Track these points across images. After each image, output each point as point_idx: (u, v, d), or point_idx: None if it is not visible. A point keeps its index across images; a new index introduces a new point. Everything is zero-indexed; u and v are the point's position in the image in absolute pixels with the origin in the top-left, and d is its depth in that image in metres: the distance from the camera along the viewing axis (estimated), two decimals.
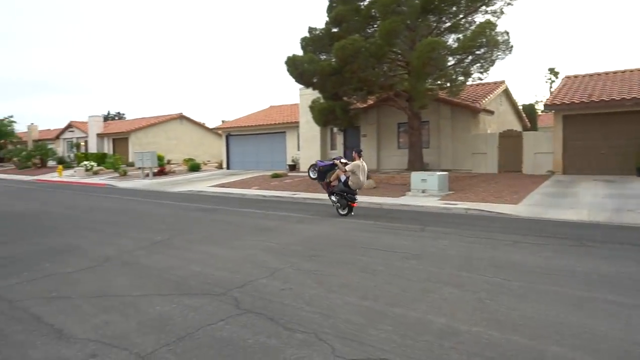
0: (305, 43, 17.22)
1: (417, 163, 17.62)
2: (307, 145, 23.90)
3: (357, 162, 10.67)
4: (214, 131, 38.79)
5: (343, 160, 11.15)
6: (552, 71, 46.63)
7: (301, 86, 21.03)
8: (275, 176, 20.60)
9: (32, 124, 48.58)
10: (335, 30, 16.67)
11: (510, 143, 18.27)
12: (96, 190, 19.70)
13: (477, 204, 11.75)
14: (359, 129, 22.23)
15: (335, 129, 23.09)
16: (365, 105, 20.26)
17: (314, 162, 12.18)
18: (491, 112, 20.98)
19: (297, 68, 16.04)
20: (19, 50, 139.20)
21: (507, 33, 15.49)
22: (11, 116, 44.25)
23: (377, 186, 15.67)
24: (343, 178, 10.68)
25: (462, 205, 11.69)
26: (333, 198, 11.11)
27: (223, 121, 33.84)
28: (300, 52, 17.30)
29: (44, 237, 8.25)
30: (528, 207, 11.24)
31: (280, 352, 3.43)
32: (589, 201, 11.32)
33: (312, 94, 19.91)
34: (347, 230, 8.80)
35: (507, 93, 23.81)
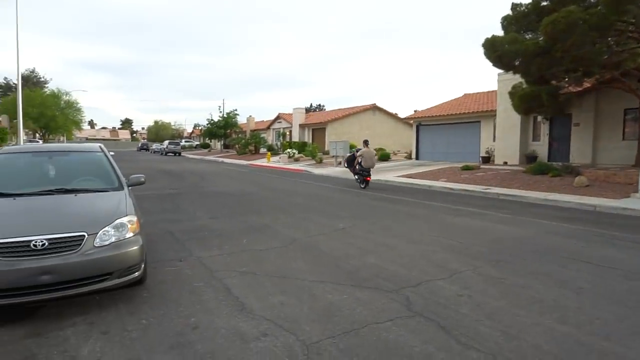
0: (506, 22, 15.49)
1: None
2: (504, 136, 21.77)
3: (364, 149, 15.31)
4: (405, 121, 38.77)
5: (358, 149, 16.31)
6: None
7: (500, 71, 19.14)
8: (466, 168, 19.36)
9: (250, 116, 56.68)
10: (545, 3, 14.53)
11: None
12: (295, 176, 21.72)
13: None
14: (570, 117, 19.16)
15: (539, 118, 20.42)
16: (579, 89, 17.25)
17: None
18: None
19: (495, 50, 14.52)
20: (240, 53, 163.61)
21: None
22: (235, 110, 52.58)
23: (590, 184, 13.22)
24: (359, 161, 15.10)
25: None
26: (355, 177, 15.75)
27: (415, 111, 33.46)
28: (500, 33, 15.64)
29: (246, 216, 9.34)
30: None
31: None
32: None
33: (513, 79, 17.93)
34: (547, 235, 7.57)
35: None
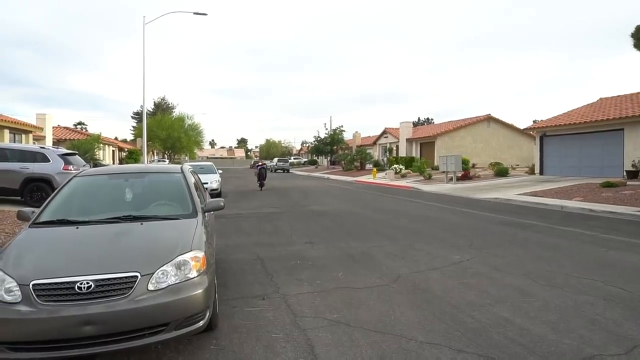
0: None
1: None
2: None
3: None
4: (525, 132, 35.10)
5: None
6: None
7: None
8: (608, 185, 16.25)
9: (356, 132, 56.43)
10: None
11: None
12: (401, 193, 20.29)
13: None
14: None
15: None
16: None
17: None
18: None
19: None
20: (346, 69, 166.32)
21: None
22: (341, 126, 52.46)
23: None
24: None
25: None
26: None
27: (534, 121, 29.98)
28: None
29: (345, 241, 8.33)
30: None
31: None
32: None
33: None
34: None
35: None
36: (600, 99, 26.71)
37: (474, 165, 31.81)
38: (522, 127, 35.67)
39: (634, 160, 19.65)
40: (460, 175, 24.42)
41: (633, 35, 12.25)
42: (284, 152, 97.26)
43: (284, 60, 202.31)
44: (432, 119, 78.61)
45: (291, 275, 5.90)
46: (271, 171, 54.25)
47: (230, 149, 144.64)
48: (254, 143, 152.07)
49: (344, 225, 10.42)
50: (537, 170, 25.89)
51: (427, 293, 5.06)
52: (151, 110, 77.63)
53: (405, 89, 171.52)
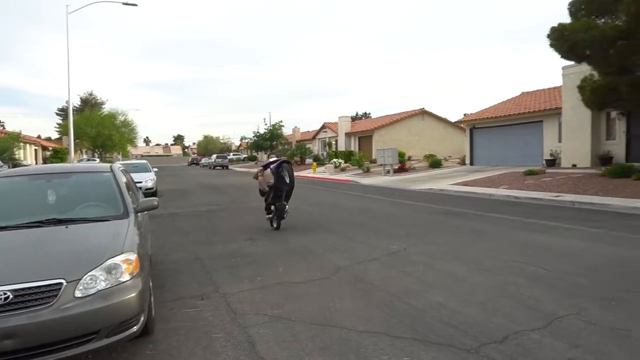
0: (574, 8, 13.60)
1: None
2: (572, 136, 19.60)
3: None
4: (456, 125, 36.85)
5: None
6: None
7: (565, 64, 17.30)
8: (530, 173, 17.48)
9: (295, 126, 56.39)
10: None
11: None
12: (341, 187, 20.60)
13: None
14: None
15: (613, 114, 18.19)
16: None
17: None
18: None
19: (566, 40, 12.72)
20: (287, 65, 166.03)
21: None
22: (281, 121, 52.04)
23: None
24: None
25: None
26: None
27: (465, 114, 31.58)
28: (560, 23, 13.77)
29: (286, 236, 8.33)
30: None
31: None
32: None
33: (581, 72, 15.94)
34: None
35: None
36: (522, 93, 28.58)
37: (409, 158, 32.91)
38: (453, 120, 37.44)
39: (551, 150, 21.25)
40: (397, 167, 25.19)
41: (549, 36, 13.20)
42: (223, 149, 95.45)
43: (219, 54, 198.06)
44: (369, 114, 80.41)
45: (231, 273, 5.81)
46: (210, 168, 53.01)
47: (166, 146, 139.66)
48: (191, 140, 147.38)
49: (287, 221, 10.38)
50: (467, 161, 27.28)
51: (367, 283, 5.18)
52: (78, 106, 73.04)
53: (343, 84, 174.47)
